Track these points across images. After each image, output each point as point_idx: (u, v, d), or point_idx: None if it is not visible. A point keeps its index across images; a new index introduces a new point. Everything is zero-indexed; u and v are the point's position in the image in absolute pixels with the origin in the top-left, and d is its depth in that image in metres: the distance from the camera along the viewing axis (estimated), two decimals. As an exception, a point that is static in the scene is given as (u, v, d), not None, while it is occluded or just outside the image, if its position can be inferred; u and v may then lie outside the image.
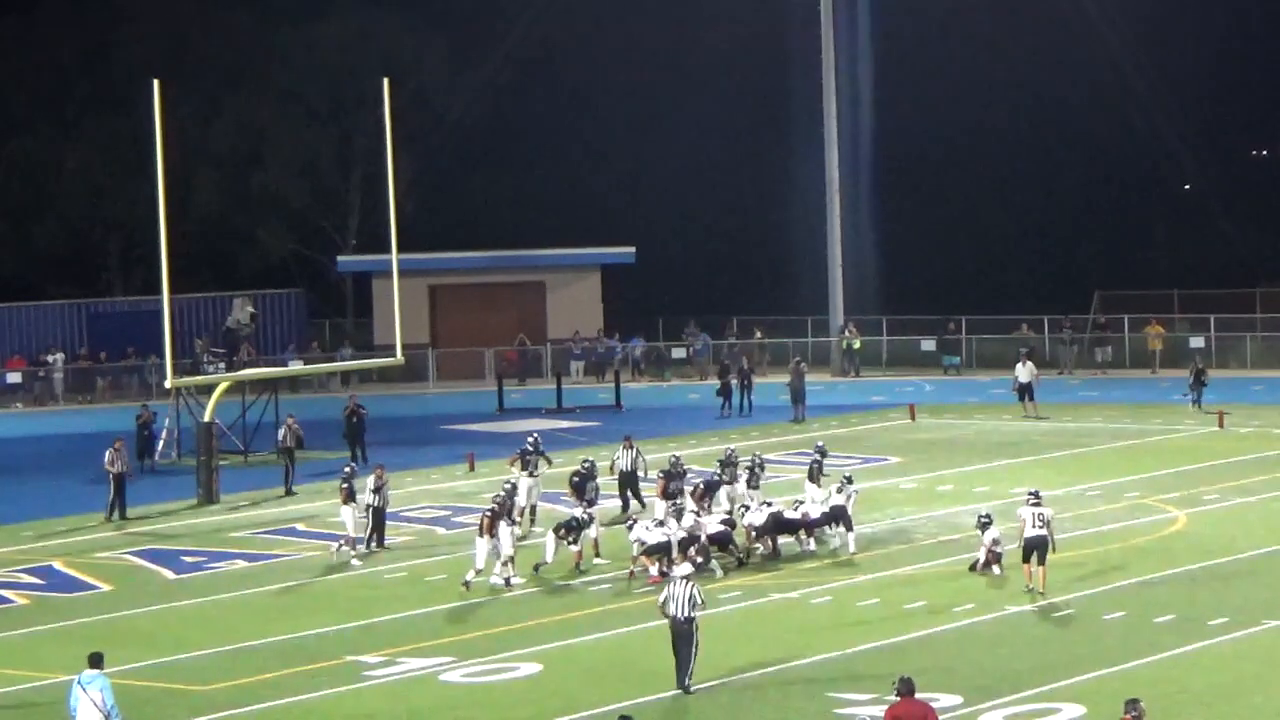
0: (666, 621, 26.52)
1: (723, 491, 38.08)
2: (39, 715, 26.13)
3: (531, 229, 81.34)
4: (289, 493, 45.78)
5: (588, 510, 36.14)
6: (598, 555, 35.15)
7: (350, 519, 36.86)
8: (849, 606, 31.62)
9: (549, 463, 40.88)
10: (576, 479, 37.66)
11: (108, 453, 43.10)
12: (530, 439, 41.27)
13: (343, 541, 36.97)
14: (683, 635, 26.21)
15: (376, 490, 37.31)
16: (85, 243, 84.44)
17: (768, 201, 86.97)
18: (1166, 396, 60.63)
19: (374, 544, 37.28)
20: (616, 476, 40.64)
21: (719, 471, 38.79)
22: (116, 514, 42.64)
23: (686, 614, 26.19)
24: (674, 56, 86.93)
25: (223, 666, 28.77)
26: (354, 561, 36.53)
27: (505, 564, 33.72)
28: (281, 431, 46.81)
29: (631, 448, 40.69)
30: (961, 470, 46.14)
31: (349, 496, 36.94)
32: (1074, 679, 26.51)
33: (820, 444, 40.60)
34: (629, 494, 40.59)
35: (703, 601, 26.55)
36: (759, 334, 72.25)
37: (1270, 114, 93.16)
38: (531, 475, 39.91)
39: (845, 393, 64.99)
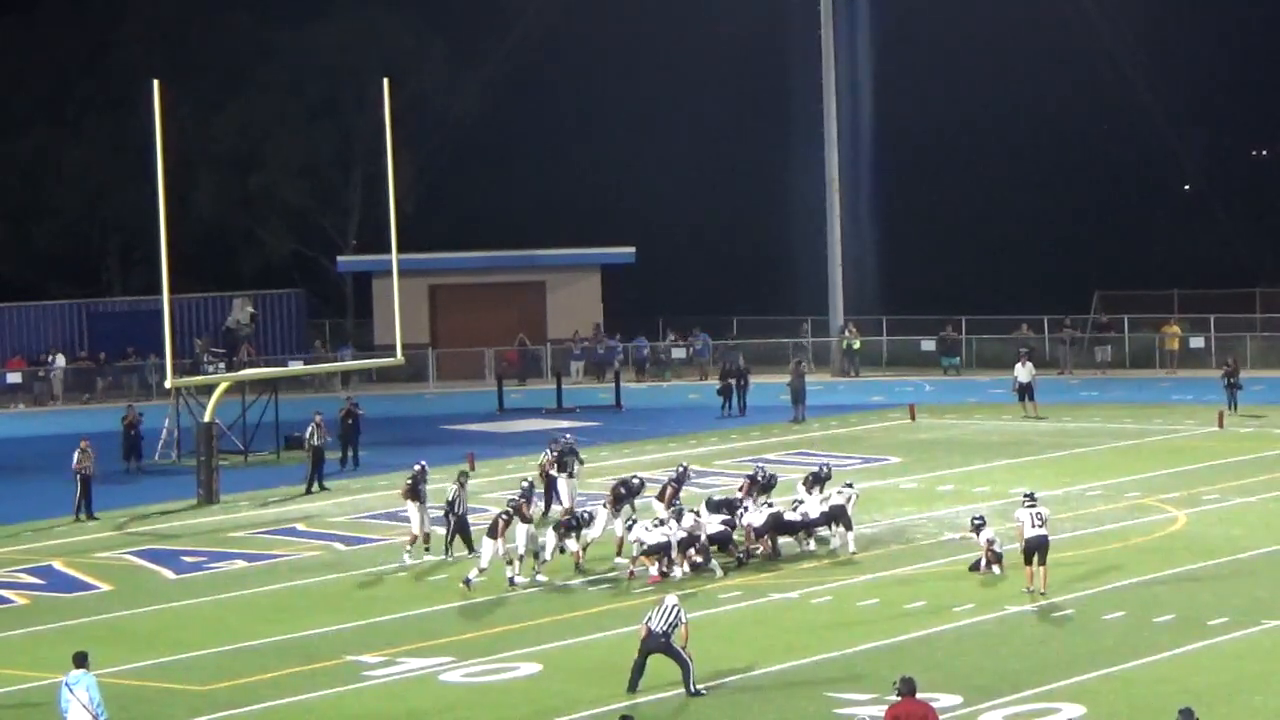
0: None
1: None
2: (39, 715, 26.12)
3: (531, 229, 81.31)
4: (323, 488, 45.99)
5: (588, 511, 36.16)
6: (578, 567, 34.92)
7: (416, 515, 36.62)
8: (849, 606, 31.62)
9: (581, 461, 40.92)
10: (623, 490, 36.97)
11: (75, 453, 43.17)
12: (565, 439, 41.38)
13: (411, 540, 36.68)
14: (655, 649, 26.18)
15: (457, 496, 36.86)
16: (85, 243, 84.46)
17: (768, 201, 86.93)
18: (1166, 396, 60.67)
19: (462, 549, 36.58)
20: (541, 475, 40.45)
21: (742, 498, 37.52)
22: (84, 514, 42.77)
23: (663, 630, 26.21)
24: (674, 56, 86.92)
25: (223, 666, 28.78)
26: (405, 557, 36.37)
27: (511, 562, 33.71)
28: (309, 429, 46.82)
29: (557, 450, 40.78)
30: (961, 470, 46.14)
31: (413, 493, 36.68)
32: (1074, 679, 26.50)
33: (826, 465, 39.05)
34: (553, 496, 40.58)
35: (684, 625, 26.43)
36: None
37: (1270, 114, 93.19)
38: (570, 476, 40.03)
39: (845, 393, 64.98)
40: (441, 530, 37.25)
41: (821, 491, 36.74)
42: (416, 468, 37.55)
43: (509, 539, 33.78)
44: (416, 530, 36.70)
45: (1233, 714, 25.00)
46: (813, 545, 36.19)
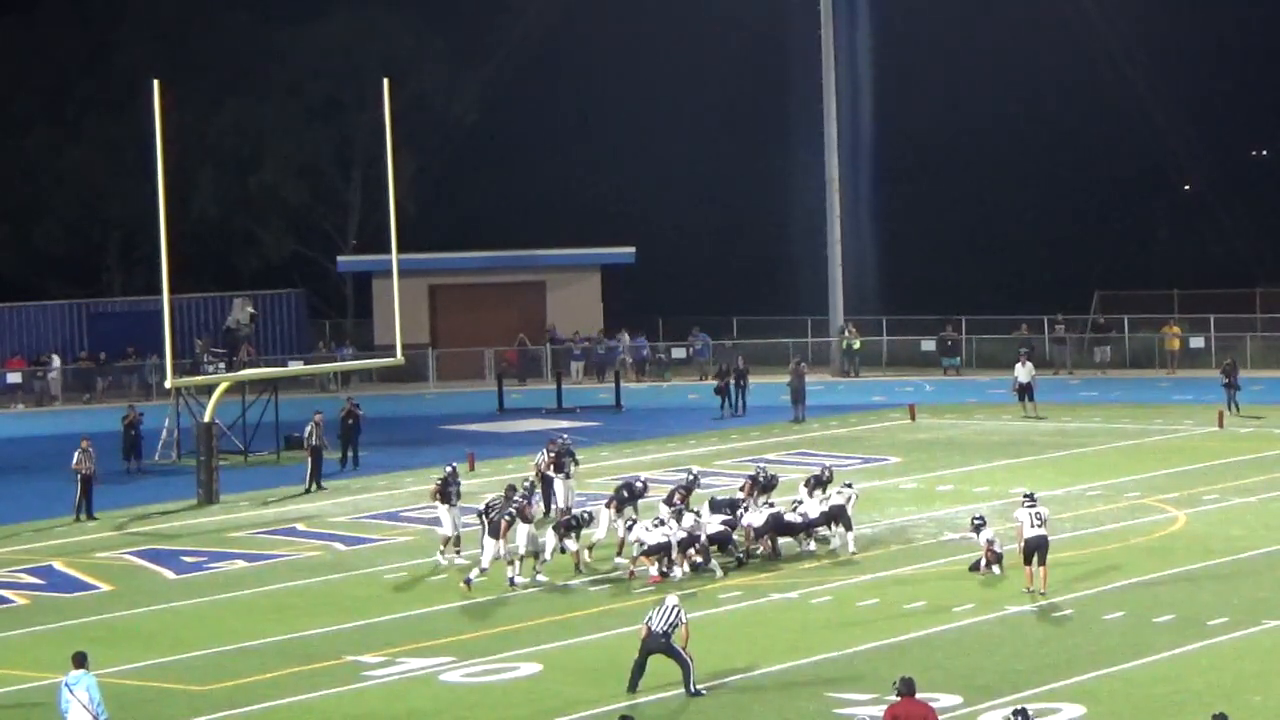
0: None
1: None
2: (39, 715, 26.12)
3: (531, 229, 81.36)
4: (319, 488, 46.07)
5: (588, 511, 36.15)
6: (578, 567, 34.90)
7: (447, 519, 36.35)
8: (849, 606, 31.62)
9: (576, 462, 40.90)
10: (626, 493, 36.93)
11: (76, 453, 43.20)
12: (562, 439, 41.38)
13: (444, 544, 36.50)
14: (656, 649, 26.22)
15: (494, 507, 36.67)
16: (85, 243, 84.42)
17: (768, 201, 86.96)
18: (1167, 397, 60.68)
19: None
20: (538, 476, 40.45)
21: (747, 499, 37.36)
22: (84, 514, 42.81)
23: (664, 630, 26.24)
24: (674, 56, 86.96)
25: (223, 666, 28.78)
26: (441, 560, 36.25)
27: (512, 562, 33.71)
28: (308, 428, 46.81)
29: (554, 450, 40.81)
30: (961, 470, 46.15)
31: (444, 496, 36.42)
32: (1074, 679, 26.50)
33: (828, 468, 38.77)
34: (551, 496, 40.55)
35: (684, 625, 26.46)
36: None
37: (1270, 114, 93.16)
38: (567, 477, 40.06)
39: (845, 393, 64.99)
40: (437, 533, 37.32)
41: (823, 494, 36.73)
42: (448, 469, 37.31)
43: (510, 539, 33.79)
44: (449, 532, 36.48)
45: (1233, 714, 24.87)
46: (813, 545, 36.19)
